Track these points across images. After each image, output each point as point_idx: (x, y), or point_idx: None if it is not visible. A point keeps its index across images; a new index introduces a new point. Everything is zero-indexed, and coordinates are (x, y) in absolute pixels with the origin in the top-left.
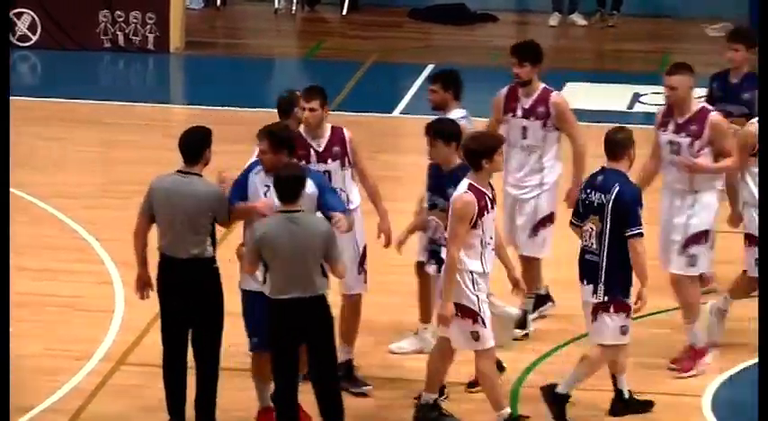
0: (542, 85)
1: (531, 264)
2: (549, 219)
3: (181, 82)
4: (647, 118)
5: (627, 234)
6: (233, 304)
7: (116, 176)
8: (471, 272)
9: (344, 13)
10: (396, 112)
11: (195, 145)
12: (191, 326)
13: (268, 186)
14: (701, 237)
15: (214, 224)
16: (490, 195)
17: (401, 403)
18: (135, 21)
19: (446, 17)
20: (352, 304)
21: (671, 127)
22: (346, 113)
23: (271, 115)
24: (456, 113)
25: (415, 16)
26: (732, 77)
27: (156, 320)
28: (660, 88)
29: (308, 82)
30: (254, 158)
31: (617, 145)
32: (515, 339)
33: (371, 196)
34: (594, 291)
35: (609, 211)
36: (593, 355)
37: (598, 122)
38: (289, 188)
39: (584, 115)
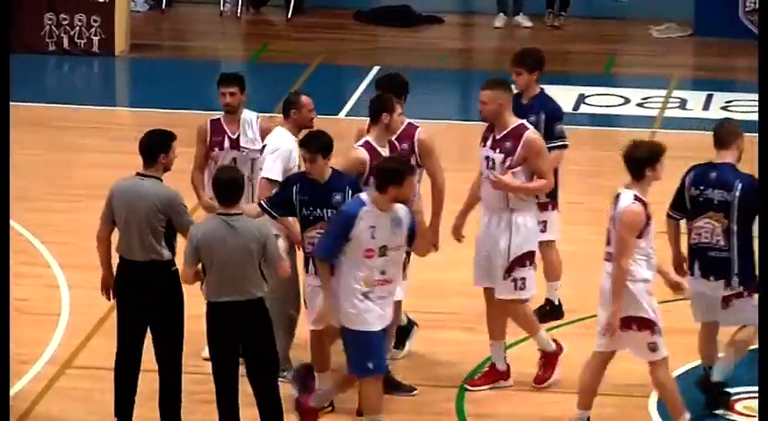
0: (407, 121)
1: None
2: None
3: (126, 85)
4: (593, 119)
5: None
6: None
7: (62, 180)
8: (645, 280)
9: (290, 15)
10: (342, 114)
11: (151, 147)
12: (148, 327)
13: (374, 227)
14: (525, 259)
15: (171, 228)
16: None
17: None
18: (80, 23)
19: (391, 19)
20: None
21: (489, 142)
22: None
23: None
24: (248, 113)
25: (360, 18)
26: (523, 98)
27: (101, 324)
28: (606, 89)
29: (254, 84)
30: (357, 200)
31: (728, 133)
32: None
33: None
34: (729, 284)
35: (736, 208)
36: (745, 337)
37: None
38: (228, 190)
39: None
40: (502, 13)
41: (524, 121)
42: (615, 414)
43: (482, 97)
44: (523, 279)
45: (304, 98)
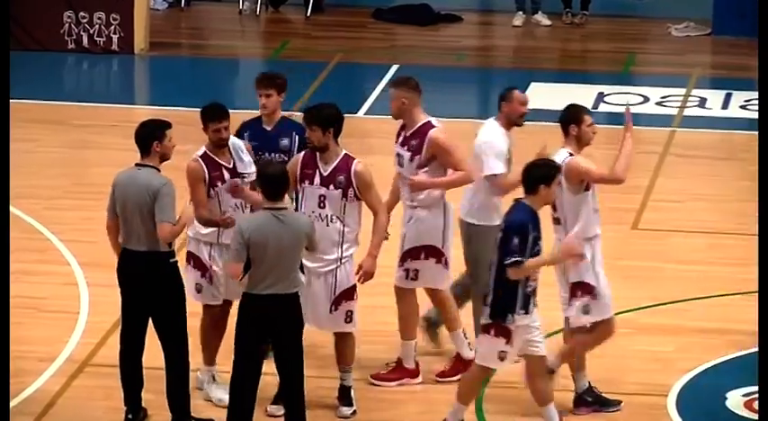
0: (343, 152)
1: (344, 341)
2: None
3: (145, 83)
4: (612, 118)
5: None
6: None
7: (81, 178)
8: None
9: (308, 13)
10: (360, 113)
11: (144, 137)
12: (150, 318)
13: None
14: (420, 251)
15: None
16: None
17: None
18: (99, 21)
19: (410, 17)
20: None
21: (400, 139)
22: None
23: (235, 115)
24: (234, 140)
25: (379, 17)
26: (266, 124)
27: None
28: (625, 88)
29: None
30: None
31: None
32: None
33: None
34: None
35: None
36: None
37: None
38: (276, 185)
39: (548, 115)
40: (520, 12)
41: (432, 119)
42: (633, 413)
43: (389, 95)
44: (416, 270)
45: (516, 92)
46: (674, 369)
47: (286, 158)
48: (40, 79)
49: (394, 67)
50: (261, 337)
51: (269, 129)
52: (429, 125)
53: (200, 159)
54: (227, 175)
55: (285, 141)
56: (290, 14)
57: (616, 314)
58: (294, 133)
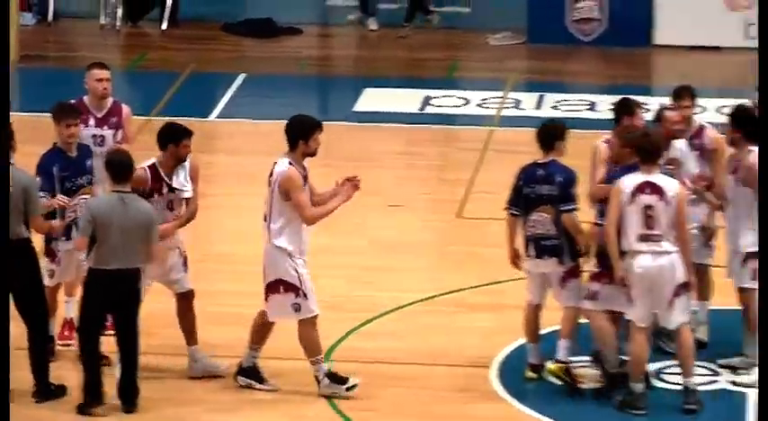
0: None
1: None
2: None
3: (16, 93)
4: (437, 118)
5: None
6: None
7: None
8: None
9: (164, 27)
10: (212, 117)
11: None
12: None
13: None
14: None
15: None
16: None
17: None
18: None
19: (256, 30)
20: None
21: (92, 120)
22: (167, 119)
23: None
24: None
25: (228, 30)
26: (70, 152)
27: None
28: (449, 92)
29: (132, 90)
30: None
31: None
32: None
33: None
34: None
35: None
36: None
37: (393, 123)
38: (121, 170)
39: (381, 117)
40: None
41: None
42: (459, 384)
43: (104, 76)
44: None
45: (667, 113)
46: (495, 343)
47: (92, 178)
48: None
49: (241, 76)
50: (104, 311)
51: (74, 155)
52: (118, 102)
53: (147, 170)
54: (165, 190)
55: (89, 162)
56: (147, 28)
57: (444, 294)
58: (89, 152)
